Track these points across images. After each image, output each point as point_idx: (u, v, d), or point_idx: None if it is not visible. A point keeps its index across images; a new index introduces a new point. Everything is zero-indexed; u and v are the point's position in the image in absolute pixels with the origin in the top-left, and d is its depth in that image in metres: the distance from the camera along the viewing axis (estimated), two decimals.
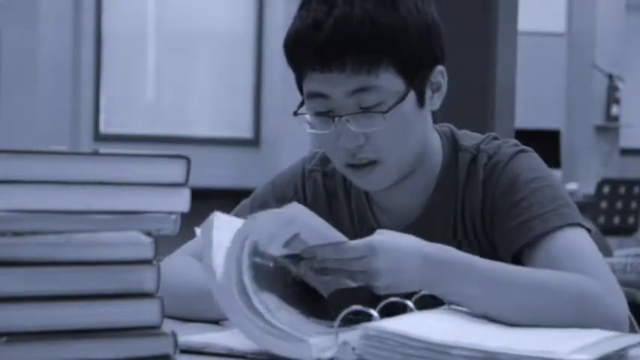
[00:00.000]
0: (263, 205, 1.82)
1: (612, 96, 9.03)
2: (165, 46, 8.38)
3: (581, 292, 1.47)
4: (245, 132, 8.44)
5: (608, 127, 9.10)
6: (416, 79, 1.63)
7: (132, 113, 8.31)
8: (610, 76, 8.97)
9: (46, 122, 7.44)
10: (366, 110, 1.61)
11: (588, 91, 9.09)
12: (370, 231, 1.71)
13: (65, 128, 7.68)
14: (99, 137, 8.16)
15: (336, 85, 1.60)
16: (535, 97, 8.99)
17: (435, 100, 1.68)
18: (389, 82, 1.61)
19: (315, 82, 1.62)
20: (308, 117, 1.65)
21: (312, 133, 1.66)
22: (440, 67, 1.67)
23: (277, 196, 1.82)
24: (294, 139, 7.52)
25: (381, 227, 1.72)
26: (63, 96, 7.71)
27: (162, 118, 8.36)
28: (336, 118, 1.62)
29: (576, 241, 1.59)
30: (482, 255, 1.55)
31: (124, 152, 1.14)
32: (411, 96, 1.63)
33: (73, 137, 7.74)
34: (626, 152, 9.44)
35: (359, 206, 1.77)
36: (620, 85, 9.02)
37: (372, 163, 1.64)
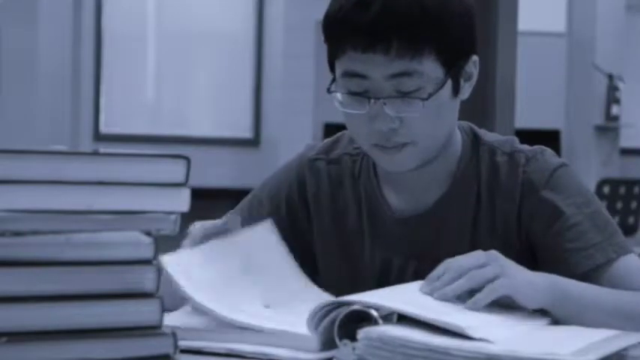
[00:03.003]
0: (259, 204, 1.83)
1: (612, 96, 9.02)
2: (165, 46, 8.38)
3: None
4: (245, 132, 8.44)
5: (608, 127, 9.10)
6: (454, 68, 1.63)
7: (132, 113, 8.32)
8: (610, 76, 8.96)
9: (46, 122, 7.44)
10: (404, 95, 1.60)
11: (588, 91, 9.08)
12: (379, 217, 1.72)
13: (65, 128, 7.68)
14: (99, 137, 8.17)
15: (377, 67, 1.58)
16: (535, 97, 8.99)
17: (465, 90, 1.68)
18: (430, 68, 1.59)
19: (355, 61, 1.60)
20: (339, 95, 1.64)
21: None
22: (475, 57, 1.67)
23: (271, 194, 1.83)
24: (294, 139, 7.53)
25: (392, 214, 1.73)
26: (63, 96, 7.71)
27: (162, 118, 8.37)
28: (372, 100, 1.60)
29: (634, 265, 1.64)
30: (507, 255, 1.60)
31: (124, 152, 1.14)
32: (448, 84, 1.63)
33: (73, 137, 7.74)
34: (626, 152, 9.43)
35: (368, 192, 1.76)
36: (620, 85, 9.02)
37: (404, 144, 1.64)
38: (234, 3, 8.44)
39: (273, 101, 8.23)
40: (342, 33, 1.61)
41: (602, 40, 9.05)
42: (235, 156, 8.37)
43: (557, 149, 9.15)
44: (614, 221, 1.69)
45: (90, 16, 8.08)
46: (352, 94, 1.62)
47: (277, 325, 1.37)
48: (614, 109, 9.05)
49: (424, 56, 1.58)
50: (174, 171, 1.14)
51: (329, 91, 1.64)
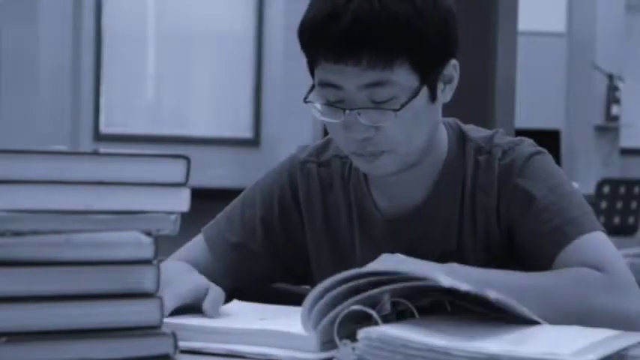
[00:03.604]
0: (251, 205, 1.83)
1: (612, 96, 9.02)
2: (165, 46, 8.37)
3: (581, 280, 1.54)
4: (245, 132, 8.44)
5: (608, 127, 9.10)
6: (431, 74, 1.63)
7: (132, 113, 8.31)
8: (610, 76, 8.96)
9: (46, 122, 7.43)
10: (377, 105, 1.60)
11: (588, 91, 9.08)
12: (368, 218, 1.72)
13: (65, 128, 7.67)
14: (99, 137, 8.16)
15: (350, 78, 1.59)
16: (535, 97, 8.99)
17: (446, 93, 1.68)
18: (403, 77, 1.59)
19: (329, 72, 1.61)
20: (318, 105, 1.64)
21: (321, 122, 1.67)
22: (453, 62, 1.66)
23: (264, 196, 1.83)
24: (294, 139, 7.51)
25: (381, 214, 1.74)
26: (63, 96, 7.70)
27: (162, 118, 8.36)
28: (347, 110, 1.61)
29: (598, 242, 1.63)
30: (490, 249, 1.61)
31: (124, 152, 1.14)
32: (424, 91, 1.62)
33: (73, 137, 7.74)
34: (626, 152, 9.43)
35: (357, 194, 1.77)
36: (620, 85, 9.02)
37: (381, 152, 1.64)
38: (234, 3, 8.44)
39: (273, 101, 8.23)
40: (314, 44, 1.62)
41: (602, 40, 9.06)
42: (235, 156, 8.36)
43: (557, 149, 9.14)
44: (589, 206, 1.69)
45: (90, 16, 8.07)
46: (328, 104, 1.62)
47: (276, 327, 1.37)
48: (614, 109, 9.05)
49: (396, 65, 1.58)
50: (174, 171, 1.14)
51: (305, 100, 1.65)
